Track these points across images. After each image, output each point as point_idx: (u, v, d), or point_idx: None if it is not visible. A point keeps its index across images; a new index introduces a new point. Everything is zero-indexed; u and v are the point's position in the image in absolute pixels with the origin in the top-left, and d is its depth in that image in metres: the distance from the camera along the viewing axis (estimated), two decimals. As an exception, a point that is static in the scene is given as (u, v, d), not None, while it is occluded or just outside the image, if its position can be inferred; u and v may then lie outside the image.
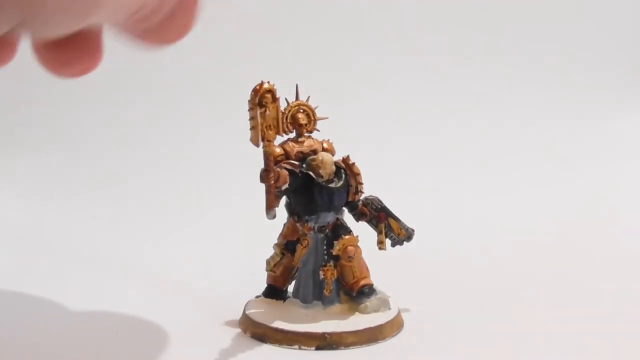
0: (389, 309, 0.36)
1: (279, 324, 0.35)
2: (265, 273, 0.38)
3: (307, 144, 0.36)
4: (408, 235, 0.37)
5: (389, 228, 0.37)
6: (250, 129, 0.32)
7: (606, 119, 0.64)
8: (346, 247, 0.36)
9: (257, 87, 0.32)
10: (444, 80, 0.62)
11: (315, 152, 0.36)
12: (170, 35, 0.26)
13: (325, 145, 0.36)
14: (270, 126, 0.32)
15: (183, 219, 0.51)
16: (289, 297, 0.37)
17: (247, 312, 0.36)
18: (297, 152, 0.35)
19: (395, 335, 0.35)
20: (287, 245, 0.36)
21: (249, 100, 0.32)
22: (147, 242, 0.46)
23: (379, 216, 0.37)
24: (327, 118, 0.37)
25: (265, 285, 0.38)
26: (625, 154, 0.61)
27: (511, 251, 0.47)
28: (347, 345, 0.34)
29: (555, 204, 0.55)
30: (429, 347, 0.34)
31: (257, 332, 0.35)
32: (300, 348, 0.34)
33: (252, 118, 0.32)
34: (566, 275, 0.42)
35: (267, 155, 0.32)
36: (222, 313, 0.38)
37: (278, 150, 0.35)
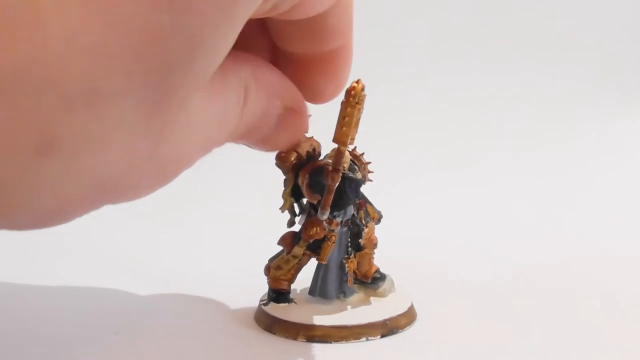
0: (395, 287, 0.38)
1: (338, 321, 0.34)
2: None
3: (307, 143, 0.35)
4: (380, 217, 0.38)
5: (366, 213, 0.39)
6: (341, 127, 0.30)
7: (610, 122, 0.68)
8: (370, 235, 0.36)
9: (357, 85, 0.30)
10: (444, 80, 0.63)
11: (315, 150, 0.35)
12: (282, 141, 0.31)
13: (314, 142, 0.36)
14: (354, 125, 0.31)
15: (183, 220, 0.49)
16: (293, 299, 0.36)
17: (286, 318, 0.34)
18: (306, 151, 0.35)
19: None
20: (311, 245, 0.35)
21: (348, 100, 0.30)
22: (147, 242, 0.46)
23: (359, 203, 0.38)
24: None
25: (269, 292, 0.36)
26: (626, 156, 0.65)
27: (524, 247, 0.48)
28: (402, 328, 0.35)
29: (563, 202, 0.57)
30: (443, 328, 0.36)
31: (316, 334, 0.33)
32: (367, 339, 0.34)
33: (345, 117, 0.30)
34: (579, 270, 0.43)
35: (342, 155, 0.31)
36: (223, 314, 0.36)
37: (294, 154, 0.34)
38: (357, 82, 0.30)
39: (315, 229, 0.34)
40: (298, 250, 0.35)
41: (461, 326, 0.35)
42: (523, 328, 0.35)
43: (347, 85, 0.31)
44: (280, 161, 0.34)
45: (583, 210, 0.53)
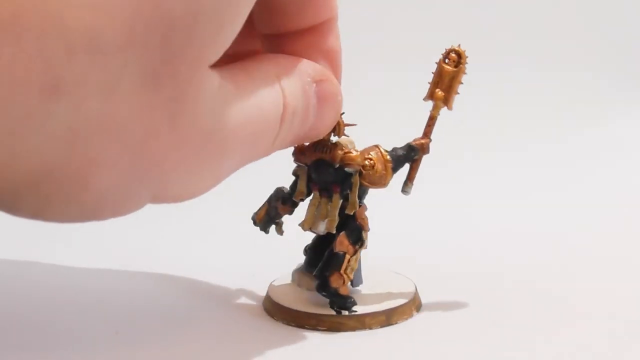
0: None
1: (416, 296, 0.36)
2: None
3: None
4: None
5: None
6: (455, 94, 0.32)
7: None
8: None
9: (462, 49, 0.31)
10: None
11: None
12: (329, 117, 0.31)
13: None
14: None
15: (182, 219, 0.47)
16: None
17: (402, 303, 0.34)
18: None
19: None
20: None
21: (465, 64, 0.31)
22: (147, 240, 0.45)
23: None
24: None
25: (345, 300, 0.33)
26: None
27: (529, 244, 0.44)
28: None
29: (571, 196, 0.52)
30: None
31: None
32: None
33: (460, 83, 0.32)
34: (583, 266, 0.41)
35: (435, 123, 0.33)
36: (225, 313, 0.35)
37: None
38: (459, 46, 0.32)
39: (365, 217, 0.34)
40: (366, 243, 0.34)
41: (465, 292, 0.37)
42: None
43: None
44: (354, 163, 0.32)
45: (590, 206, 0.52)
